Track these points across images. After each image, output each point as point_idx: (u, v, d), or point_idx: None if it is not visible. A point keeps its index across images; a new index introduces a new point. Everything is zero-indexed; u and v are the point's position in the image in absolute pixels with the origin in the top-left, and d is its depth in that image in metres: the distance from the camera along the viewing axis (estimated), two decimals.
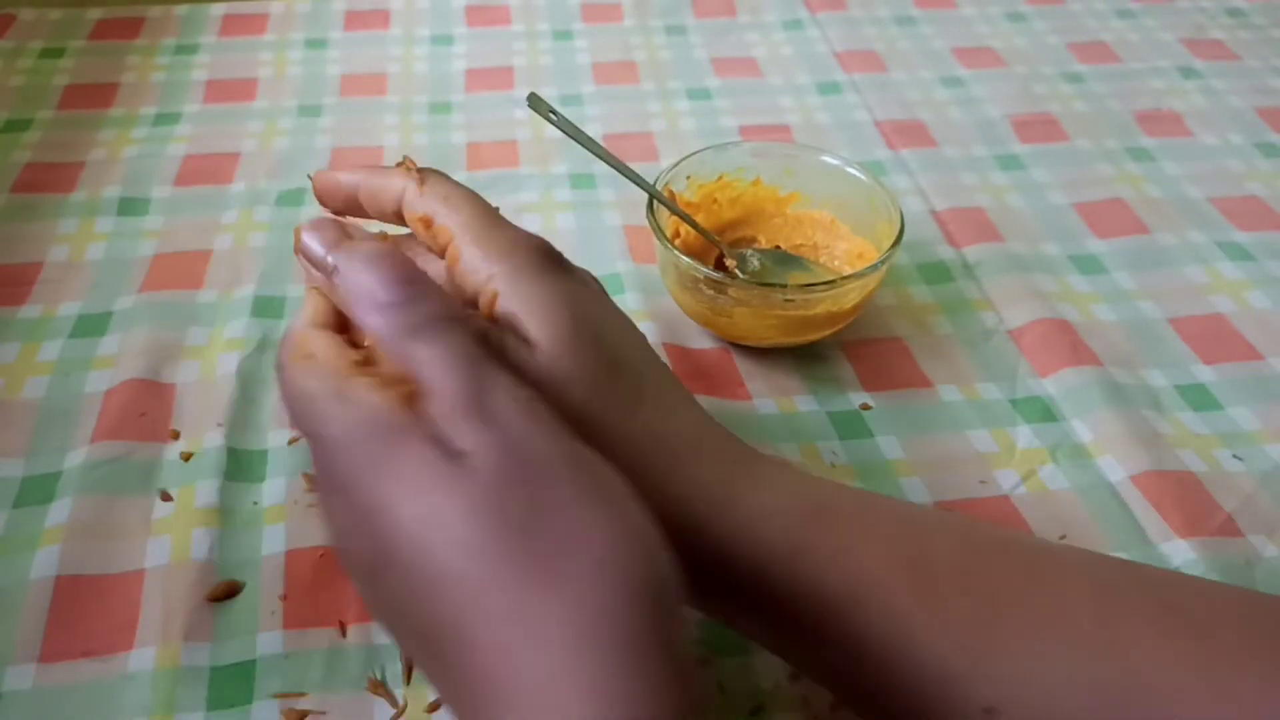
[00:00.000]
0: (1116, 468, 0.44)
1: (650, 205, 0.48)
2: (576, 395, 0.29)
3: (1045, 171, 0.62)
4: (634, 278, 0.53)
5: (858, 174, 0.51)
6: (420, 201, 0.33)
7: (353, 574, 0.28)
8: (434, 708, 0.35)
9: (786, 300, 0.46)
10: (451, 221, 0.32)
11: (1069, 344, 0.50)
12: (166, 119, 0.64)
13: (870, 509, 0.32)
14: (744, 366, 0.49)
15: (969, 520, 0.37)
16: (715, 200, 0.53)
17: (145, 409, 0.45)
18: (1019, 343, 0.50)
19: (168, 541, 0.40)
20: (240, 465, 0.43)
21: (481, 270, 0.31)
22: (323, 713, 0.35)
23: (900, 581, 0.29)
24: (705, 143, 0.55)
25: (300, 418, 0.28)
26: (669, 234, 0.49)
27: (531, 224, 0.57)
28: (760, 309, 0.46)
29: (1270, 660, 0.27)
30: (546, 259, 0.32)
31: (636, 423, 0.30)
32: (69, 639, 0.36)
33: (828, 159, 0.53)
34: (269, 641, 0.37)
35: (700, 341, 0.50)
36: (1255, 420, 0.47)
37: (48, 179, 0.59)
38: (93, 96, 0.66)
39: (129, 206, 0.57)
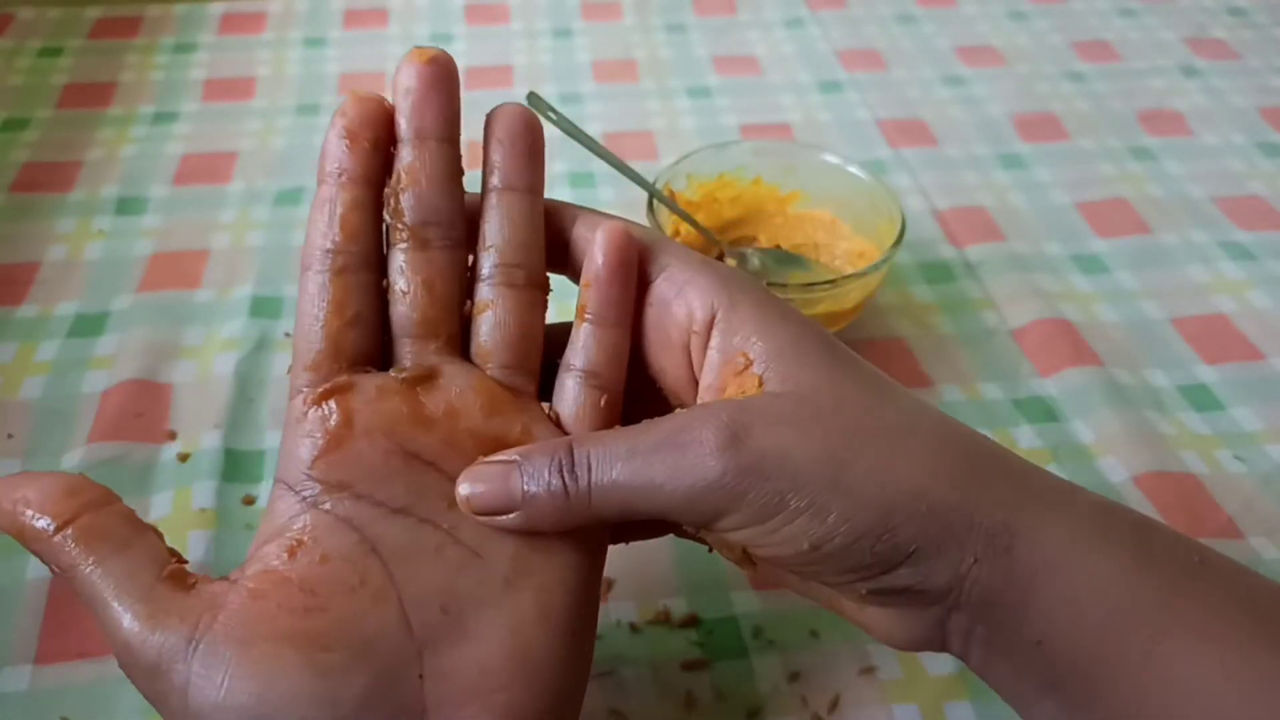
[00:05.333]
0: (1118, 468, 0.44)
1: (650, 204, 0.48)
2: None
3: (1047, 171, 0.62)
4: None
5: (859, 173, 0.51)
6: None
7: None
8: None
9: (787, 300, 0.45)
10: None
11: (1071, 344, 0.50)
12: (165, 118, 0.64)
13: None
14: None
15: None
16: (715, 199, 0.53)
17: (142, 409, 0.45)
18: (1021, 342, 0.50)
19: None
20: (237, 466, 0.43)
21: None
22: None
23: None
24: (705, 141, 0.54)
25: None
26: (669, 233, 0.49)
27: None
28: None
29: None
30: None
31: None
32: (65, 640, 0.36)
33: (828, 158, 0.52)
34: None
35: None
36: (1257, 420, 0.47)
37: (46, 178, 0.59)
38: (91, 95, 0.66)
39: (127, 206, 0.57)
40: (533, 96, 0.47)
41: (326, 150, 0.28)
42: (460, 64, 0.78)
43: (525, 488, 0.26)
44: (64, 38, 0.71)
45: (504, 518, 0.27)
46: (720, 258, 0.51)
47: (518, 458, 0.27)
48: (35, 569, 0.38)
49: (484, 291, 0.29)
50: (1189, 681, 0.24)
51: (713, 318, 0.28)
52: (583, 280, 0.29)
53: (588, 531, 0.28)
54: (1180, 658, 0.24)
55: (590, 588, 0.28)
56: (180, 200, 0.58)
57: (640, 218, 0.49)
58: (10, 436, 0.44)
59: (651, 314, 0.29)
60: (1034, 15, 0.78)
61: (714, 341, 0.28)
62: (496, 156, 0.30)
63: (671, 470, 0.26)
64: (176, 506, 0.41)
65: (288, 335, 0.49)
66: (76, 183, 0.58)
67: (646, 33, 0.74)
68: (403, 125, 0.29)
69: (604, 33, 0.74)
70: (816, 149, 0.54)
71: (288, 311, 0.50)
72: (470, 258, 0.30)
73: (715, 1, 0.78)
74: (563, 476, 0.26)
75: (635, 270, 0.29)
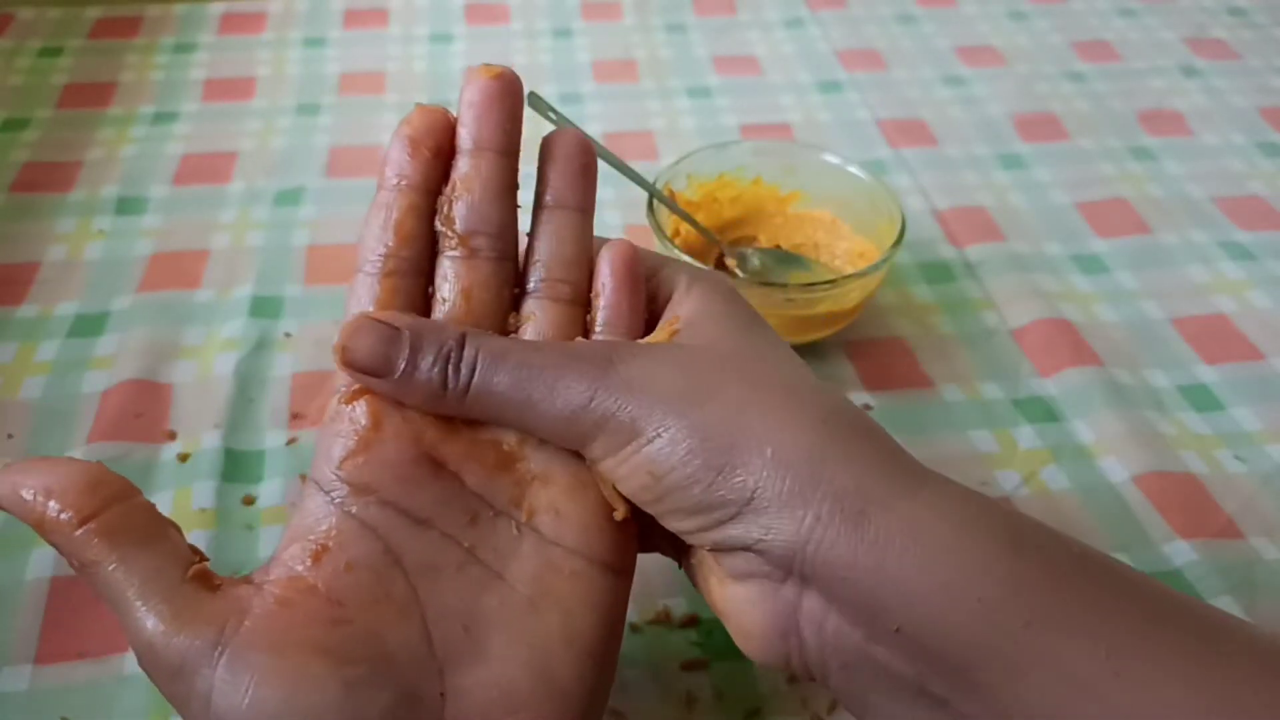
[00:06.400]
0: (1118, 468, 0.44)
1: (650, 204, 0.48)
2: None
3: (1047, 171, 0.62)
4: None
5: (859, 173, 0.51)
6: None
7: None
8: None
9: (787, 300, 0.46)
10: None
11: (1071, 344, 0.50)
12: (165, 118, 0.64)
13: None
14: None
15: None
16: (715, 199, 0.53)
17: (142, 410, 0.45)
18: (1021, 342, 0.50)
19: None
20: (237, 466, 0.43)
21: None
22: None
23: None
24: (705, 141, 0.54)
25: None
26: (669, 233, 0.48)
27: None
28: (761, 308, 0.45)
29: None
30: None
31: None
32: (65, 640, 0.36)
33: (829, 158, 0.52)
34: None
35: None
36: (1257, 421, 0.47)
37: (46, 178, 0.59)
38: (91, 95, 0.66)
39: (127, 206, 0.57)
40: (533, 96, 0.47)
41: (389, 159, 0.29)
42: (460, 64, 0.78)
43: (403, 363, 0.27)
44: (64, 38, 0.71)
45: (373, 380, 0.27)
46: (720, 258, 0.51)
47: (404, 328, 0.27)
48: (35, 569, 0.38)
49: (528, 304, 0.30)
50: (1075, 675, 0.22)
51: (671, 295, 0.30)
52: (592, 293, 0.30)
53: (616, 554, 0.28)
54: (1065, 650, 0.22)
55: (616, 611, 0.28)
56: (180, 200, 0.58)
57: (640, 218, 0.49)
58: (10, 436, 0.44)
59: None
60: (1034, 15, 0.78)
61: (666, 312, 0.30)
62: (551, 175, 0.30)
63: (547, 392, 0.26)
64: (176, 506, 0.41)
65: (288, 335, 0.49)
66: (76, 183, 0.58)
67: (646, 33, 0.74)
68: (463, 136, 0.29)
69: (604, 33, 0.74)
70: (816, 149, 0.54)
71: (288, 311, 0.50)
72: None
73: (715, 1, 0.78)
74: (446, 368, 0.27)
75: (643, 284, 0.30)
